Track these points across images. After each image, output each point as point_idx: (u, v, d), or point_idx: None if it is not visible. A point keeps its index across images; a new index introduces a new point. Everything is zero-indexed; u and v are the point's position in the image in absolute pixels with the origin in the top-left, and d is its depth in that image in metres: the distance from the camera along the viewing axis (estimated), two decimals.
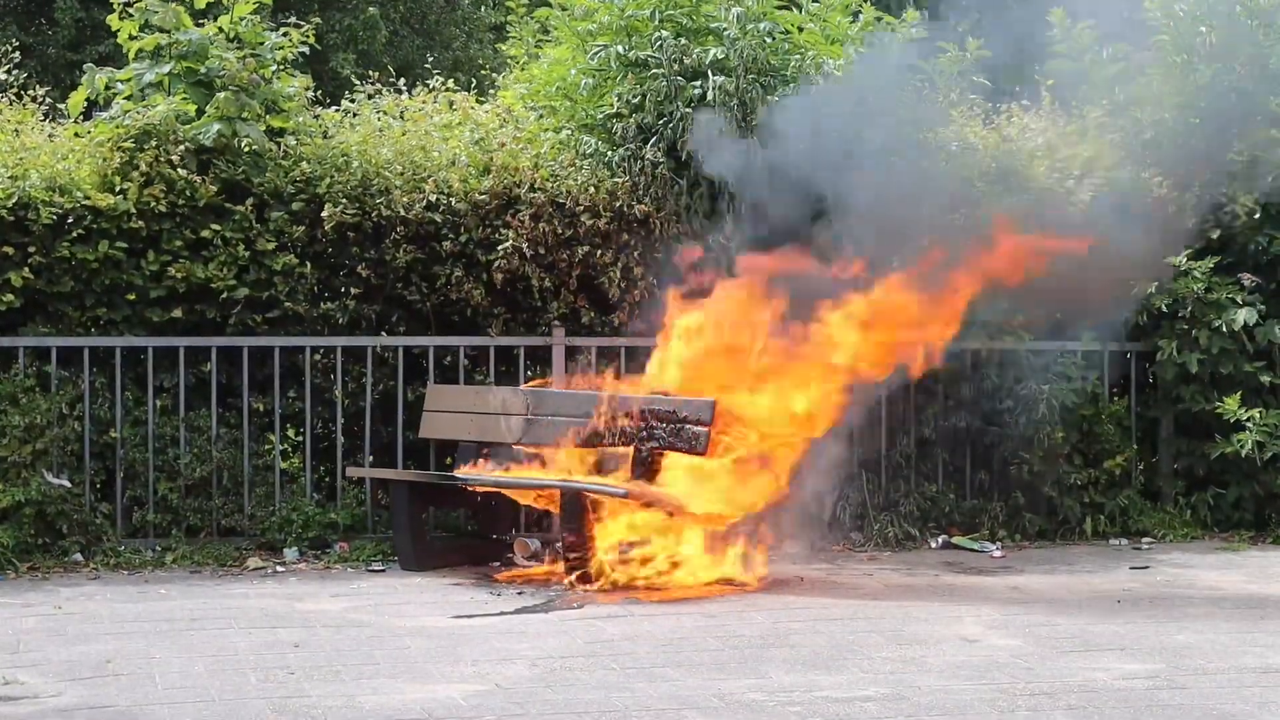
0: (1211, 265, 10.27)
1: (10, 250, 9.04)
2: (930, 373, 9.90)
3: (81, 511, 9.05)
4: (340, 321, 9.66)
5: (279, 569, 9.04)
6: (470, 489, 9.15)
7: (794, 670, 6.55)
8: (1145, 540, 10.16)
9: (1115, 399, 10.59)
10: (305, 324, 9.66)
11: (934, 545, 9.94)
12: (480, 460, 9.28)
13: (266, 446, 9.66)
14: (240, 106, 9.60)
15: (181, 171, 9.31)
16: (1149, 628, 7.49)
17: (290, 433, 9.91)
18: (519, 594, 8.32)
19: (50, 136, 9.74)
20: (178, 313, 9.39)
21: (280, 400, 9.59)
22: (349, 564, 9.18)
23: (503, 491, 9.14)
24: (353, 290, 9.67)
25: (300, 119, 10.11)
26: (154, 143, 9.33)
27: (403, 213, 9.62)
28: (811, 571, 9.07)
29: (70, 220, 9.14)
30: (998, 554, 9.71)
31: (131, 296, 9.34)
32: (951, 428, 10.22)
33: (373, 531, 9.63)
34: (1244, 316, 10.13)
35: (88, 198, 9.19)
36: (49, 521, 8.92)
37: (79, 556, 8.96)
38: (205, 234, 9.40)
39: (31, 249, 9.10)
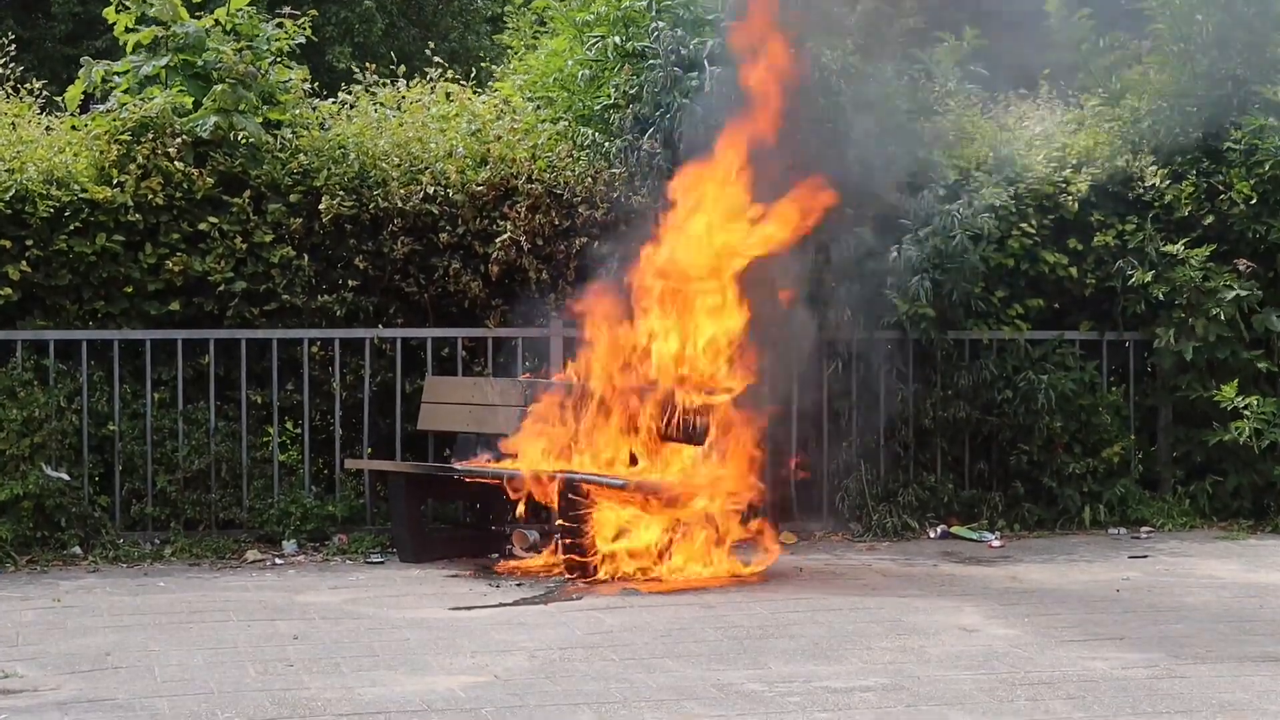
0: (1208, 254, 10.27)
1: (7, 244, 9.01)
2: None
3: (80, 505, 9.04)
4: (338, 314, 9.65)
5: (278, 561, 9.03)
6: (469, 480, 9.14)
7: (793, 660, 6.55)
8: (1144, 529, 10.16)
9: (1113, 388, 10.59)
10: (303, 316, 9.64)
11: (933, 535, 9.94)
12: (478, 451, 9.29)
13: (264, 439, 9.64)
14: (237, 99, 9.59)
15: (179, 164, 9.30)
16: (1148, 617, 7.49)
17: (288, 425, 9.88)
18: (518, 585, 8.32)
19: (47, 130, 9.72)
20: (175, 305, 9.37)
21: (278, 393, 9.57)
22: (347, 556, 9.18)
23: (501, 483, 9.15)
24: (350, 282, 9.66)
25: (297, 111, 10.09)
26: (151, 135, 9.32)
27: (400, 205, 9.61)
28: (810, 561, 9.07)
29: (67, 213, 9.11)
30: (996, 544, 9.70)
31: (129, 290, 9.32)
32: (950, 418, 10.21)
33: (371, 523, 9.63)
34: (1237, 290, 10.10)
35: (85, 190, 9.16)
36: (48, 515, 8.91)
37: (78, 550, 8.95)
38: (203, 226, 9.38)
39: (29, 242, 9.08)
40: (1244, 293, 10.15)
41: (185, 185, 9.31)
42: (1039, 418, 10.13)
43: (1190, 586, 8.31)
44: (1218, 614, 7.58)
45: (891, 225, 10.00)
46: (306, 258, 9.59)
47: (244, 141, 9.59)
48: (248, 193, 9.49)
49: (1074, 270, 10.47)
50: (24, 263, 9.00)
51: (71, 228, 9.09)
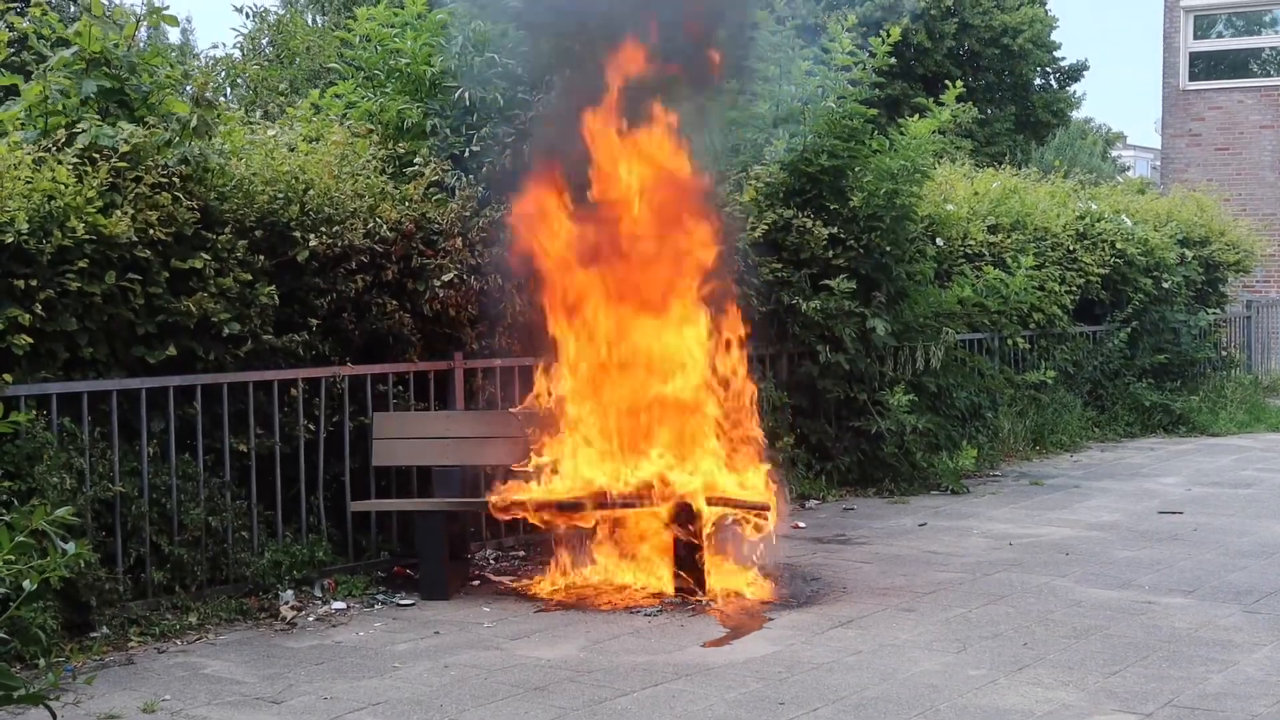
0: None
1: (20, 283, 7.82)
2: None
3: (112, 580, 7.99)
4: (322, 349, 9.22)
5: (333, 611, 8.44)
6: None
7: None
8: None
9: None
10: (279, 355, 9.02)
11: None
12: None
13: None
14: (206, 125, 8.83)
15: (164, 196, 8.44)
16: None
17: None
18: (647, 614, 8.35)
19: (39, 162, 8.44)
20: (172, 351, 8.48)
21: (254, 437, 8.90)
22: (355, 599, 8.74)
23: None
24: (336, 311, 9.23)
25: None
26: (143, 165, 8.45)
27: (386, 231, 9.31)
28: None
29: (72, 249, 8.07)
30: None
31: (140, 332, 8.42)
32: None
33: (354, 559, 9.24)
34: None
35: (99, 225, 8.12)
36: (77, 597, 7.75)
37: (106, 630, 7.85)
38: (196, 264, 8.56)
39: (34, 282, 7.89)
40: None
41: (171, 219, 8.41)
42: None
43: None
44: None
45: None
46: (275, 293, 8.93)
47: (212, 170, 8.85)
48: (228, 227, 8.78)
49: None
50: (39, 305, 7.82)
51: (79, 266, 8.05)
